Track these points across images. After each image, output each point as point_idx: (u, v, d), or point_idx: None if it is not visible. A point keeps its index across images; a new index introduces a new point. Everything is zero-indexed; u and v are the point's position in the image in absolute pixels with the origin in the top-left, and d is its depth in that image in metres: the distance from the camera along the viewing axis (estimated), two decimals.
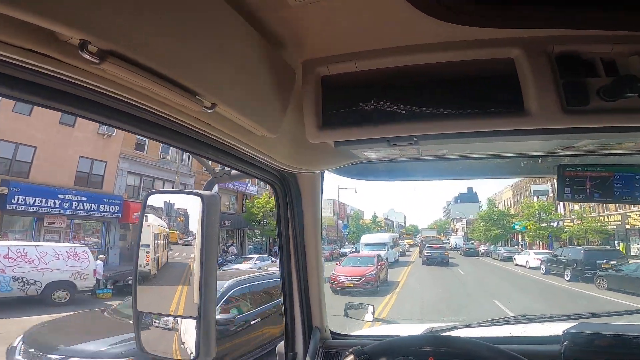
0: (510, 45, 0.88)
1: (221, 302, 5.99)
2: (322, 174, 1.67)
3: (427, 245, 31.60)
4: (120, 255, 19.94)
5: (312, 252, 1.71)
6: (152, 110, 0.75)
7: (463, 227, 66.09)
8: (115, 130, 19.69)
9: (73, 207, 17.95)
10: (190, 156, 25.43)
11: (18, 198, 15.84)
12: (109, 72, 0.60)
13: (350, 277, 13.82)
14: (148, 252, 1.12)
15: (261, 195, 29.23)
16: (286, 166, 1.28)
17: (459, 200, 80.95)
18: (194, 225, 1.00)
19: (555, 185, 1.25)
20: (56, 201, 17.23)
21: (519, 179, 34.09)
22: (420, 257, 29.52)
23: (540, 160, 1.48)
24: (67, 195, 17.67)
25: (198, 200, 0.99)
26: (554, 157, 1.38)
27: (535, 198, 36.94)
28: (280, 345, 1.77)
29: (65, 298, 11.07)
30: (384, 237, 27.39)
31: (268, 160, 1.18)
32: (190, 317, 0.98)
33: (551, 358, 1.46)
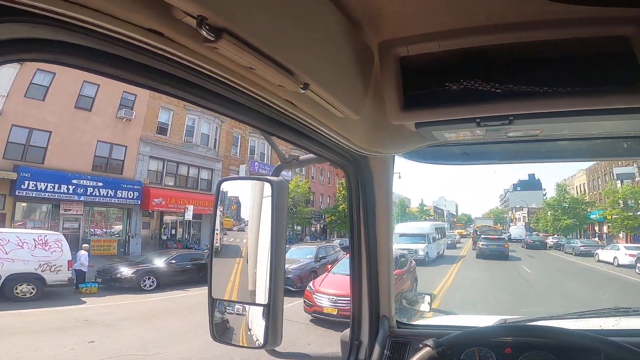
0: (625, 23, 0.82)
1: None
2: (393, 157, 1.57)
3: (482, 236, 27.49)
4: (142, 245, 19.07)
5: (383, 238, 1.66)
6: (249, 93, 0.76)
7: (524, 217, 62.08)
8: (134, 113, 19.29)
9: (88, 193, 17.12)
10: (217, 140, 23.79)
11: (28, 184, 15.14)
12: (218, 53, 0.62)
13: (335, 297, 7.94)
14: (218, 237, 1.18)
15: (291, 179, 27.22)
16: (361, 149, 1.25)
17: (518, 188, 77.19)
18: (247, 212, 1.05)
19: None
20: (70, 187, 16.44)
21: (605, 161, 29.27)
22: (473, 249, 25.59)
23: (631, 142, 1.39)
24: (81, 181, 16.84)
25: (255, 186, 1.02)
26: None
27: (618, 183, 30.49)
28: (345, 334, 1.70)
29: (32, 293, 9.61)
30: (424, 225, 22.92)
31: (345, 142, 1.16)
32: (260, 305, 0.98)
33: None
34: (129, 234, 19.09)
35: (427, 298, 2.16)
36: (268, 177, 1.00)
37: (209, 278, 1.07)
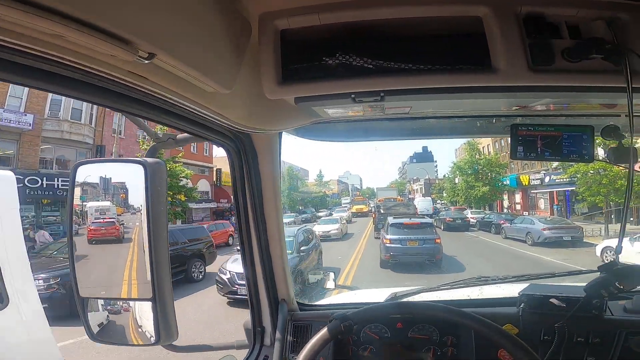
0: (479, 3, 0.88)
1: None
2: (280, 134, 1.52)
3: (388, 213, 17.70)
4: None
5: (273, 219, 1.58)
6: (76, 66, 0.64)
7: (420, 188, 59.37)
8: None
9: None
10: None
11: None
12: (10, 21, 0.50)
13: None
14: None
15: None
16: (241, 126, 1.18)
17: (414, 160, 77.73)
18: (135, 198, 0.95)
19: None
20: None
21: (475, 138, 25.98)
22: (376, 237, 15.67)
23: (494, 120, 1.50)
24: None
25: (139, 169, 0.88)
26: (508, 117, 1.43)
27: None
28: (247, 322, 1.68)
29: None
30: None
31: (221, 120, 1.08)
32: (144, 299, 0.91)
33: (509, 319, 1.48)
34: None
35: (332, 275, 2.17)
36: (141, 159, 0.90)
37: (73, 275, 0.94)
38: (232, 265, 8.91)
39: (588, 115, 1.37)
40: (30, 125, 16.74)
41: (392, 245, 11.51)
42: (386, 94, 0.99)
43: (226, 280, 8.71)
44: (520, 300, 1.51)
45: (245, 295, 5.24)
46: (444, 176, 44.10)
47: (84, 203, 0.98)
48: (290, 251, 8.52)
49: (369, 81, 0.94)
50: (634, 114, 1.05)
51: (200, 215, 26.47)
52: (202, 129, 1.13)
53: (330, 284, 2.14)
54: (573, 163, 16.58)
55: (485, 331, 1.15)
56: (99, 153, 19.33)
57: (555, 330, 1.39)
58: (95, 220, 0.97)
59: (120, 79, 0.71)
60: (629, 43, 0.86)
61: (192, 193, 21.30)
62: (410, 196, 53.31)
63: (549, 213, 23.16)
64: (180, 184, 19.59)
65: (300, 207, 41.68)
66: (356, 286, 8.70)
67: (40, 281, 7.34)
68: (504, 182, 28.61)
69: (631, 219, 17.50)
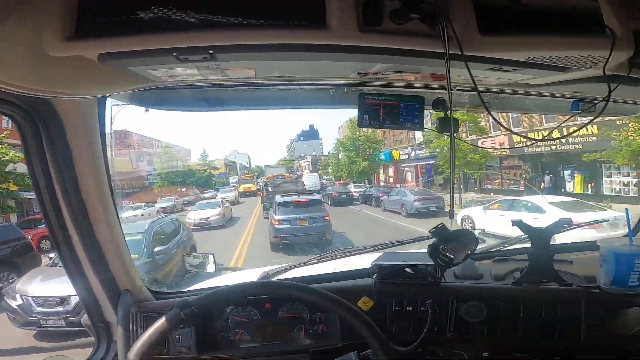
0: None
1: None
2: (102, 101, 1.27)
3: (276, 191, 17.02)
4: None
5: (95, 201, 1.32)
6: None
7: (308, 164, 60.54)
8: None
9: None
10: None
11: None
12: None
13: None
14: None
15: None
16: (28, 90, 0.96)
17: (301, 138, 79.07)
18: None
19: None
20: None
21: (329, 109, 25.45)
22: (265, 217, 14.93)
23: (345, 90, 1.45)
24: None
25: None
26: (356, 86, 1.40)
27: None
28: (85, 317, 1.50)
29: None
30: None
31: None
32: None
33: (365, 291, 1.47)
34: None
35: (211, 257, 2.08)
36: None
37: None
38: (25, 285, 6.26)
39: (422, 88, 1.41)
40: None
41: (282, 226, 10.84)
42: (216, 51, 0.91)
43: (17, 307, 6.03)
44: (373, 271, 1.48)
45: (56, 326, 5.05)
46: (329, 153, 46.11)
47: None
48: (137, 255, 6.44)
49: (193, 35, 0.85)
50: (459, 88, 1.25)
51: None
52: None
53: (210, 267, 2.06)
54: (432, 139, 19.21)
55: (327, 304, 1.12)
56: None
57: (404, 300, 1.42)
58: None
59: None
60: (448, 4, 0.87)
61: (25, 180, 16.48)
62: (298, 173, 54.35)
63: (414, 184, 26.34)
64: (5, 171, 14.92)
65: (182, 190, 37.87)
66: (243, 268, 7.77)
67: None
68: (380, 157, 31.32)
69: (475, 188, 21.24)
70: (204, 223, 15.24)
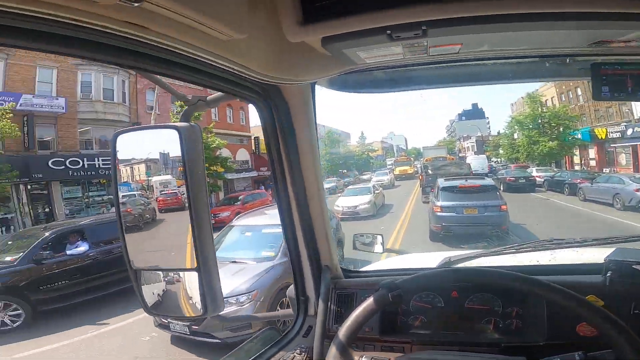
0: None
1: None
2: (313, 86, 1.39)
3: (437, 174, 15.53)
4: None
5: (311, 176, 1.46)
6: (71, 22, 0.61)
7: (472, 146, 54.79)
8: None
9: None
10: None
11: None
12: None
13: None
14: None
15: None
16: (266, 77, 1.08)
17: (463, 118, 73.85)
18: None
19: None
20: None
21: (544, 82, 22.95)
22: (424, 201, 13.98)
23: (568, 60, 1.27)
24: None
25: (174, 134, 0.87)
26: (585, 56, 1.21)
27: None
28: (290, 290, 1.59)
29: None
30: None
31: (242, 71, 0.99)
32: (190, 270, 0.90)
33: (592, 289, 1.26)
34: None
35: (379, 238, 2.11)
36: (175, 124, 0.89)
37: (124, 248, 0.95)
38: None
39: None
40: (63, 109, 17.15)
41: (445, 214, 9.62)
42: (429, 27, 0.88)
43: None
44: (607, 268, 1.26)
45: (183, 332, 4.66)
46: (499, 133, 39.95)
47: (149, 178, 1.04)
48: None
49: (406, 11, 0.84)
50: None
51: (242, 185, 26.48)
52: (226, 83, 1.07)
53: (378, 248, 2.09)
54: None
55: (565, 302, 1.03)
56: None
57: None
58: (162, 192, 1.01)
59: (119, 31, 0.67)
60: None
61: (227, 163, 20.81)
62: (461, 155, 49.81)
63: (631, 170, 19.71)
64: (214, 155, 19.13)
65: (343, 172, 40.52)
66: (406, 251, 7.37)
67: None
68: (575, 136, 24.81)
69: None
70: (352, 212, 13.72)
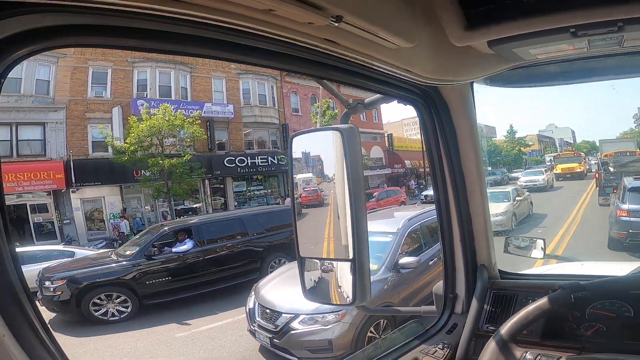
0: None
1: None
2: (472, 85, 1.43)
3: (623, 172, 12.36)
4: None
5: (473, 175, 1.48)
6: (273, 37, 0.74)
7: None
8: None
9: None
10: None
11: None
12: (231, 2, 0.59)
13: None
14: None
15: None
16: (428, 79, 1.15)
17: None
18: (329, 169, 1.02)
19: None
20: None
21: None
22: (601, 203, 11.24)
23: None
24: None
25: (337, 135, 0.94)
26: None
27: None
28: (438, 286, 1.57)
29: None
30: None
31: (406, 75, 1.08)
32: (345, 260, 0.96)
33: None
34: None
35: (540, 242, 1.94)
36: (337, 126, 0.95)
37: (295, 237, 1.05)
38: (262, 286, 5.35)
39: None
40: (232, 114, 20.30)
41: (633, 219, 7.72)
42: (626, 23, 0.84)
43: (247, 310, 5.23)
44: None
45: (265, 343, 4.68)
46: None
47: (295, 176, 1.08)
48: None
49: (596, 10, 0.81)
50: None
51: (376, 182, 26.94)
52: (389, 87, 1.14)
53: (537, 253, 1.95)
54: None
55: None
56: (284, 130, 22.04)
57: None
58: (305, 189, 1.08)
59: (316, 47, 0.79)
60: None
61: (362, 160, 21.42)
62: None
63: None
64: None
65: (488, 169, 36.40)
66: (568, 257, 6.77)
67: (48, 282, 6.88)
68: None
69: None
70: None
